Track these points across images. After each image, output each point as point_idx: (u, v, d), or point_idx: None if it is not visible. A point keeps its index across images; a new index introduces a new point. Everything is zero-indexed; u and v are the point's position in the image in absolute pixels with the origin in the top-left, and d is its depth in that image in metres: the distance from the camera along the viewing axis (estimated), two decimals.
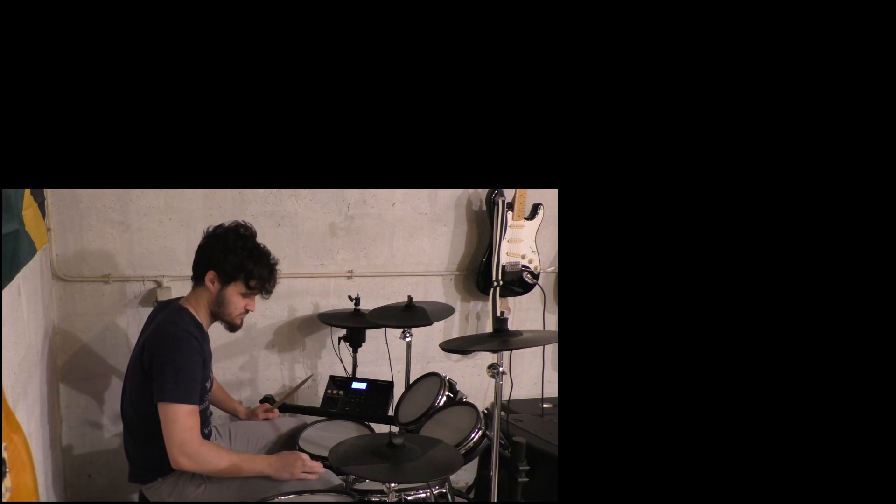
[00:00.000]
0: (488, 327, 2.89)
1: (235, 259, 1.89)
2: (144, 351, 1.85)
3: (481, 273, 2.81)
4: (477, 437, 2.00)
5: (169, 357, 1.79)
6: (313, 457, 2.07)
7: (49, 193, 2.21)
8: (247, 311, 1.98)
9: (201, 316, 1.94)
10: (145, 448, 1.89)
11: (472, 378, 3.01)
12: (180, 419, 1.75)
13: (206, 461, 1.78)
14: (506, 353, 2.19)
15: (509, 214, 2.75)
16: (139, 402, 1.86)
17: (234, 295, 1.92)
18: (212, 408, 2.15)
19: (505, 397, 2.85)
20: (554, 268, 3.02)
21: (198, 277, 1.94)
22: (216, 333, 2.44)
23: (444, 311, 2.49)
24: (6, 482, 1.20)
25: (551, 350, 3.06)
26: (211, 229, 1.96)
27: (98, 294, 2.36)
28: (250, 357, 2.63)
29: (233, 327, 2.01)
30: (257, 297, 1.99)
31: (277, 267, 1.99)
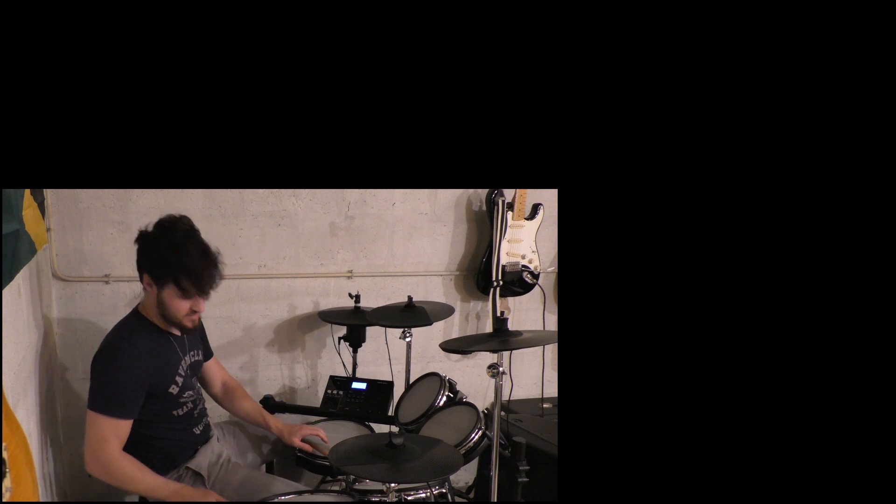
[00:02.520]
0: (488, 327, 2.89)
1: (161, 258, 1.73)
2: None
3: (481, 273, 2.81)
4: (477, 437, 2.00)
5: (99, 366, 1.77)
6: (312, 457, 2.08)
7: (49, 193, 2.21)
8: (195, 313, 1.83)
9: (155, 318, 1.85)
10: (134, 451, 1.86)
11: (472, 378, 3.01)
12: (96, 428, 1.72)
13: (115, 476, 1.72)
14: (506, 353, 2.19)
15: (509, 214, 2.75)
16: None
17: (172, 298, 1.77)
18: (208, 406, 2.15)
19: (505, 397, 2.85)
20: (554, 268, 3.02)
21: (142, 282, 1.82)
22: (215, 333, 2.45)
23: (444, 311, 2.49)
24: (6, 482, 1.20)
25: (551, 350, 3.06)
26: (144, 227, 1.80)
27: (98, 294, 2.36)
28: (250, 357, 2.63)
29: (183, 329, 1.88)
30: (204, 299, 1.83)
31: (219, 261, 1.80)
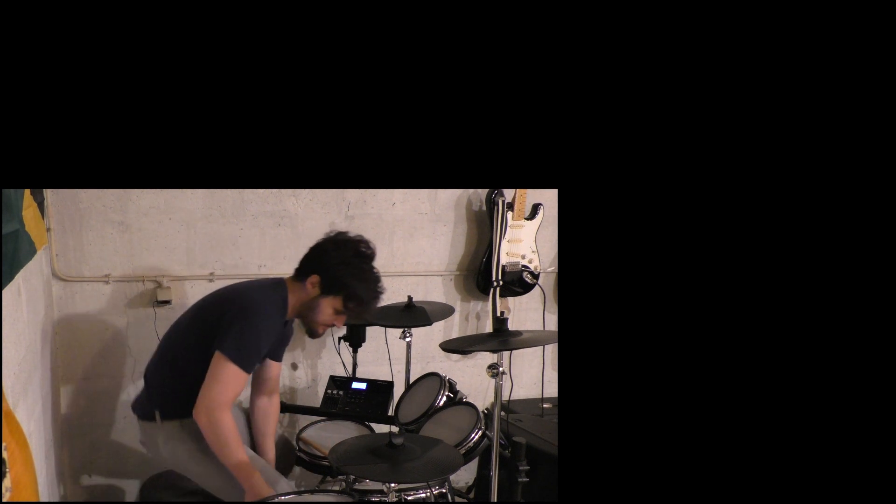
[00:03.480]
0: (488, 327, 2.89)
1: (346, 275, 1.84)
2: (225, 300, 1.84)
3: (481, 273, 2.81)
4: (477, 437, 2.00)
5: (247, 319, 1.78)
6: (313, 457, 2.08)
7: (49, 193, 2.21)
8: (332, 325, 1.94)
9: (291, 304, 1.90)
10: (178, 385, 1.83)
11: (472, 378, 3.01)
12: (224, 375, 1.73)
13: (216, 427, 1.73)
14: (506, 353, 2.19)
15: (509, 214, 2.75)
16: (195, 346, 1.83)
17: (328, 307, 1.88)
18: None
19: (505, 397, 2.85)
20: (554, 268, 3.02)
21: (300, 274, 1.89)
22: None
23: (444, 311, 2.49)
24: (6, 482, 1.20)
25: (551, 350, 3.06)
26: (333, 233, 1.91)
27: (98, 294, 2.36)
28: None
29: (312, 333, 1.98)
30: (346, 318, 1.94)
31: (382, 296, 1.93)
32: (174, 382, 1.86)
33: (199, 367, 1.78)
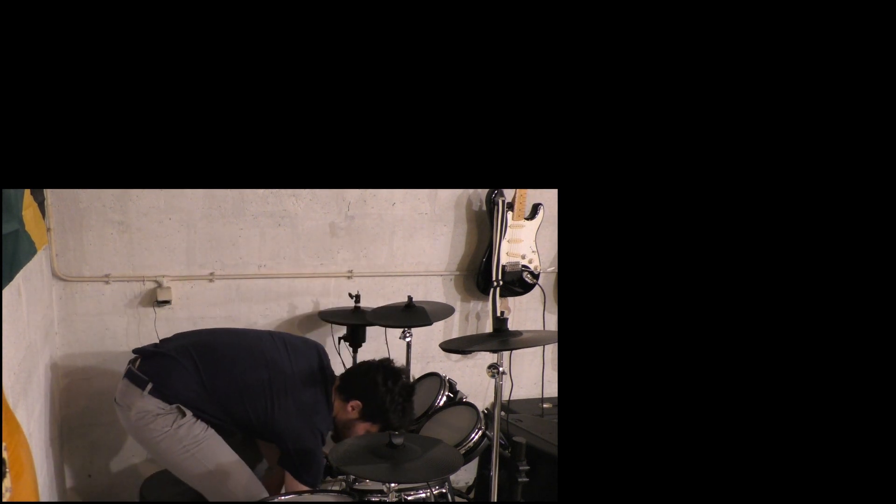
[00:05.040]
0: (488, 327, 2.89)
1: (389, 410, 1.96)
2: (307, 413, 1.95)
3: (481, 273, 2.81)
4: (477, 437, 2.00)
5: (318, 450, 1.95)
6: None
7: (49, 193, 2.21)
8: None
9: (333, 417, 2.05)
10: (188, 381, 1.90)
11: (472, 378, 3.01)
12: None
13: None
14: (506, 353, 2.19)
15: (509, 214, 2.75)
16: (255, 406, 1.93)
17: (363, 429, 1.99)
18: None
19: (505, 397, 2.85)
20: (554, 268, 3.02)
21: (345, 394, 2.01)
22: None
23: (444, 311, 2.49)
24: (6, 482, 1.20)
25: (551, 350, 3.06)
26: (378, 369, 2.01)
27: (98, 294, 2.36)
28: None
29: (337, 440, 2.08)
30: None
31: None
32: (183, 381, 1.90)
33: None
